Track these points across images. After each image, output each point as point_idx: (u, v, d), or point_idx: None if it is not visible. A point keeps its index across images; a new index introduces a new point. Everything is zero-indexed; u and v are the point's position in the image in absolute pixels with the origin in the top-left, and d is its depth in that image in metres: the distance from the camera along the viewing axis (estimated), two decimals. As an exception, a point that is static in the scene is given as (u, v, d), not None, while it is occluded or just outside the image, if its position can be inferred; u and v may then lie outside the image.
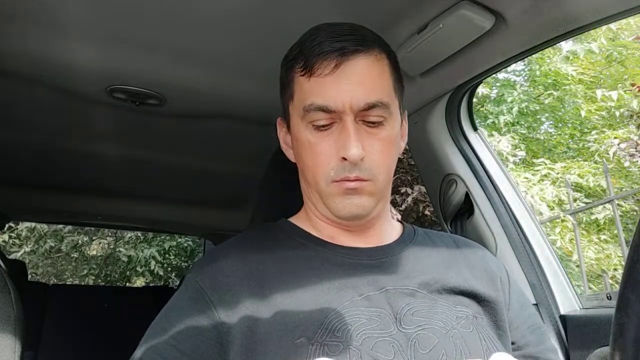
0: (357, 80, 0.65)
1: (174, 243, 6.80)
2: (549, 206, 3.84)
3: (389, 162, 0.69)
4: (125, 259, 6.73)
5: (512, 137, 4.49)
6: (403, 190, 3.69)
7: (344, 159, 0.64)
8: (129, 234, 6.87)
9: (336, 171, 0.65)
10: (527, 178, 4.07)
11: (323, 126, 0.66)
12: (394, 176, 0.74)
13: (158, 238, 6.80)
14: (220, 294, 0.64)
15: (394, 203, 3.69)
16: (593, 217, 4.03)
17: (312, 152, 0.67)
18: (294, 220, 0.78)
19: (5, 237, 6.31)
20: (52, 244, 6.75)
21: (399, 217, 3.60)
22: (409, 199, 3.62)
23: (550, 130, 5.44)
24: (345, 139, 0.64)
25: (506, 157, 4.31)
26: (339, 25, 0.68)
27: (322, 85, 0.65)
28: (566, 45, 4.52)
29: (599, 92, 4.40)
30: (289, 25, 0.76)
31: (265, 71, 0.76)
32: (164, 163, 1.75)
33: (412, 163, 3.47)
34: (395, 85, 0.71)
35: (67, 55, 1.06)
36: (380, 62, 0.68)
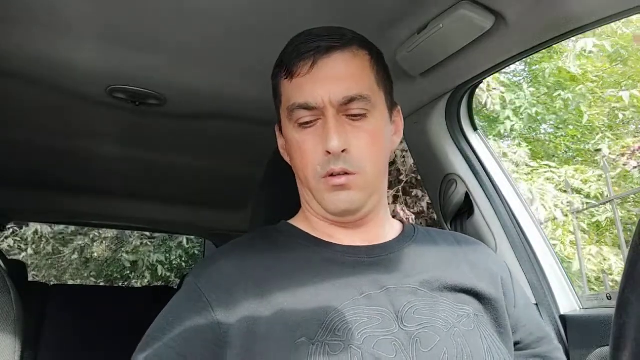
0: (334, 76, 0.67)
1: (180, 251, 6.78)
2: (564, 214, 3.82)
3: (377, 154, 0.70)
4: (128, 264, 6.71)
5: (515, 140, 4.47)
6: (414, 192, 3.67)
7: (328, 152, 0.66)
8: (132, 239, 6.86)
9: (322, 166, 0.67)
10: (542, 184, 4.04)
11: (307, 123, 0.68)
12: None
13: (163, 242, 6.78)
14: (219, 295, 0.64)
15: (405, 206, 3.66)
16: (594, 219, 4.01)
17: (300, 150, 0.69)
18: (293, 222, 0.78)
19: (10, 241, 6.33)
20: (55, 247, 6.75)
21: (413, 217, 3.58)
22: (424, 204, 3.59)
23: (550, 131, 5.42)
24: (326, 132, 0.66)
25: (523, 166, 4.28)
26: (317, 29, 0.71)
27: (301, 84, 0.68)
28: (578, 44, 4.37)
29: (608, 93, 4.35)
30: (289, 25, 0.76)
31: (265, 71, 0.76)
32: (164, 163, 1.75)
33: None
34: (378, 79, 0.71)
35: (67, 55, 1.06)
36: (358, 58, 0.70)
